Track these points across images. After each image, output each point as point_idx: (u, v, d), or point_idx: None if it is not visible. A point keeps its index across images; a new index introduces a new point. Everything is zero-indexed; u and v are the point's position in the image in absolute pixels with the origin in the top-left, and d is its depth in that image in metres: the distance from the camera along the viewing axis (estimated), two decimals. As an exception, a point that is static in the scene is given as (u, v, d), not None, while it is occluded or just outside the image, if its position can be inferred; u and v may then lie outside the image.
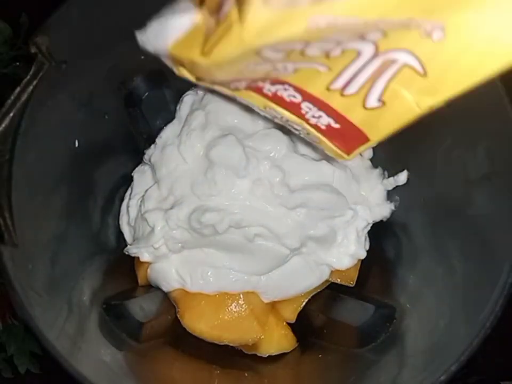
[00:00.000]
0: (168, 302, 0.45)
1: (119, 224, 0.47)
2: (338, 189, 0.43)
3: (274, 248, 0.42)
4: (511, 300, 0.30)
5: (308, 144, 0.44)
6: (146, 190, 0.45)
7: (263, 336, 0.44)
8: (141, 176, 0.46)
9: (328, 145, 0.32)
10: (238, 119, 0.44)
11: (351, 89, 0.26)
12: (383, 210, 0.45)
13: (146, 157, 0.46)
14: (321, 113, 0.29)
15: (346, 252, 0.44)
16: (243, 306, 0.43)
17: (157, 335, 0.43)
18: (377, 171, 0.46)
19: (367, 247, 0.45)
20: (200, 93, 0.45)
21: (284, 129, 0.43)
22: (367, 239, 0.45)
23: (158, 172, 0.44)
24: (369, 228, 0.45)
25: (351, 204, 0.44)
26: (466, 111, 0.35)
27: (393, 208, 0.45)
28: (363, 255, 0.44)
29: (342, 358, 0.42)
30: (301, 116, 0.30)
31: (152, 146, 0.46)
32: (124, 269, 0.46)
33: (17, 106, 0.29)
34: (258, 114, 0.44)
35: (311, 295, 0.46)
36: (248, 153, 0.41)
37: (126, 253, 0.44)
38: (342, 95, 0.27)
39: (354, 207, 0.44)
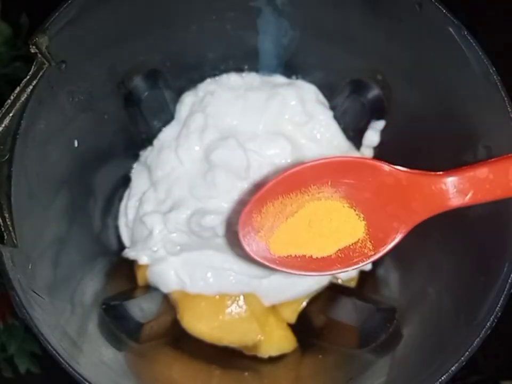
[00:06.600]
0: (168, 302, 0.45)
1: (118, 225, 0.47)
2: None
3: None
4: (511, 300, 0.30)
5: (313, 151, 0.44)
6: (144, 192, 0.45)
7: (263, 337, 0.44)
8: (139, 177, 0.46)
9: None
10: (238, 121, 0.44)
11: None
12: None
13: (142, 158, 0.46)
14: None
15: None
16: (243, 307, 0.43)
17: (156, 335, 0.43)
18: None
19: None
20: (200, 94, 0.45)
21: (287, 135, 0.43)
22: None
23: (154, 174, 0.44)
24: None
25: None
26: (466, 111, 0.35)
27: None
28: (368, 267, 0.45)
29: (343, 358, 0.42)
30: None
31: (149, 147, 0.46)
32: (123, 270, 0.46)
33: (17, 106, 0.29)
34: (258, 116, 0.44)
35: (311, 295, 0.46)
36: (249, 156, 0.41)
37: (125, 256, 0.44)
38: None
39: None
